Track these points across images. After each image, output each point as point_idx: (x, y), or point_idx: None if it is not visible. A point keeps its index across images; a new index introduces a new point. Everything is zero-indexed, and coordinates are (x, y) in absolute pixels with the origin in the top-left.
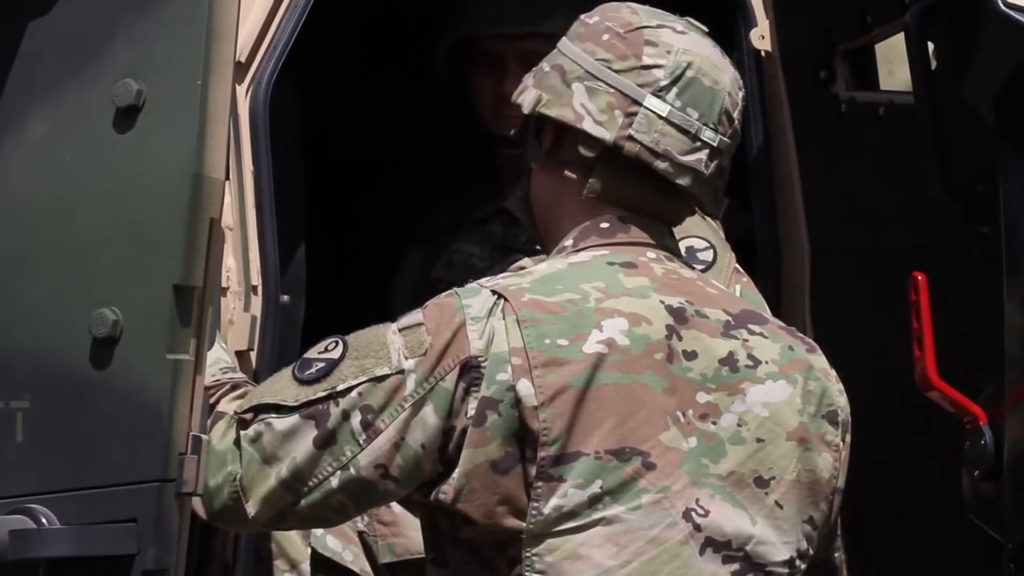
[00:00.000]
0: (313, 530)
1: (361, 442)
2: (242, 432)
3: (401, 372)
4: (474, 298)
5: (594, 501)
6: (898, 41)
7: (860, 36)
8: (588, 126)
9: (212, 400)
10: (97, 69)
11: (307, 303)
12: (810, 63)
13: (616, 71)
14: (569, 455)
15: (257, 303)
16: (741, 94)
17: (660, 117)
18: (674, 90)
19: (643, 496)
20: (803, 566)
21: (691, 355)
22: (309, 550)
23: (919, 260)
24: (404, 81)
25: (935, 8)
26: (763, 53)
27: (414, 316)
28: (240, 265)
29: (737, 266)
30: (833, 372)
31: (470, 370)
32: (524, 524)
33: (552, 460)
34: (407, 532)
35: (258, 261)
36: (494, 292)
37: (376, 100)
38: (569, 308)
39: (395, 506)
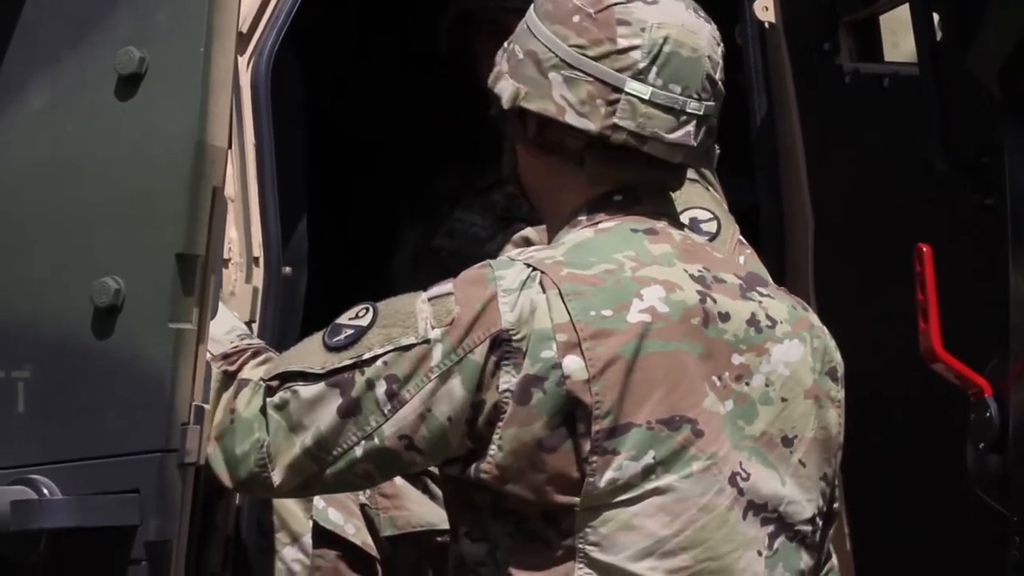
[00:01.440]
0: (315, 502)
1: (386, 412)
2: (268, 399)
3: (427, 342)
4: (507, 270)
5: (648, 472)
6: (902, 12)
7: (864, 7)
8: (571, 119)
9: (234, 367)
10: (99, 37)
11: (309, 278)
12: (814, 34)
13: (592, 58)
14: (622, 427)
15: (259, 275)
16: (720, 49)
17: (643, 101)
18: (654, 69)
19: (694, 463)
20: (821, 523)
21: (725, 317)
22: (311, 523)
23: (923, 232)
24: (404, 55)
25: None
26: (767, 24)
27: (444, 286)
28: (242, 236)
29: (741, 238)
30: (826, 329)
31: (501, 344)
32: (575, 498)
33: (606, 433)
34: (409, 505)
35: (260, 233)
36: (528, 265)
37: (376, 74)
38: (607, 279)
39: (398, 479)
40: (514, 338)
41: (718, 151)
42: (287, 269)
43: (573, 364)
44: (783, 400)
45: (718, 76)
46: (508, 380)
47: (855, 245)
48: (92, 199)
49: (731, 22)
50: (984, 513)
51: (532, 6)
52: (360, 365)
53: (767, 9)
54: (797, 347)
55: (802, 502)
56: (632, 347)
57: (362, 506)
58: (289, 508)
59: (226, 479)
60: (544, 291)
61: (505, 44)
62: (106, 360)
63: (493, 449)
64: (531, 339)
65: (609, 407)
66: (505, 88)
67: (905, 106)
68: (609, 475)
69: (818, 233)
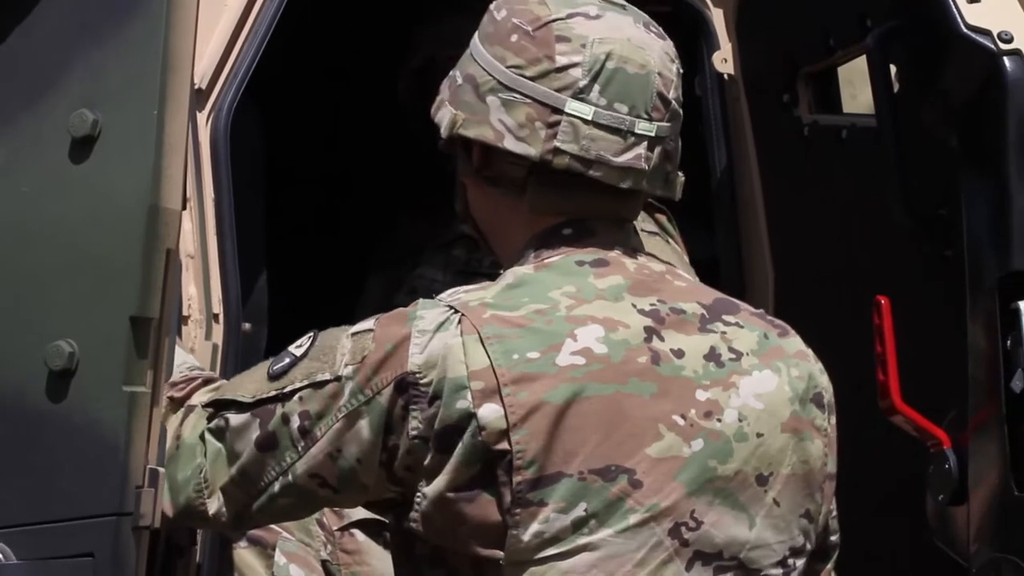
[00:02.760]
0: (276, 558)
1: (300, 449)
2: (207, 425)
3: (339, 379)
4: (430, 311)
5: (578, 525)
6: (861, 63)
7: (822, 59)
8: (510, 144)
9: (181, 394)
10: (53, 99)
11: (270, 330)
12: (773, 86)
13: (530, 78)
14: (549, 477)
15: (219, 331)
16: (675, 66)
17: (586, 121)
18: (596, 87)
19: (630, 516)
20: (798, 563)
21: (679, 353)
22: None
23: (883, 283)
24: (365, 104)
25: (897, 31)
26: (726, 76)
27: (368, 322)
28: (201, 293)
29: None
30: (811, 352)
31: (407, 387)
32: (500, 552)
33: (530, 484)
34: (371, 560)
35: (219, 289)
36: (450, 307)
37: (337, 123)
38: (537, 319)
39: (359, 534)
40: (420, 382)
41: (681, 178)
42: (247, 325)
43: (490, 413)
44: (758, 435)
45: (671, 95)
46: (416, 426)
47: (815, 296)
48: (46, 261)
49: (690, 73)
50: (944, 565)
51: (476, 31)
52: (281, 398)
53: (726, 61)
54: (769, 378)
55: (772, 544)
56: (562, 392)
57: (324, 562)
58: (249, 564)
59: (167, 507)
60: (462, 335)
61: (449, 72)
62: (60, 423)
63: (419, 497)
64: (444, 386)
65: (533, 456)
66: (444, 116)
67: (864, 157)
68: (535, 528)
69: (778, 284)
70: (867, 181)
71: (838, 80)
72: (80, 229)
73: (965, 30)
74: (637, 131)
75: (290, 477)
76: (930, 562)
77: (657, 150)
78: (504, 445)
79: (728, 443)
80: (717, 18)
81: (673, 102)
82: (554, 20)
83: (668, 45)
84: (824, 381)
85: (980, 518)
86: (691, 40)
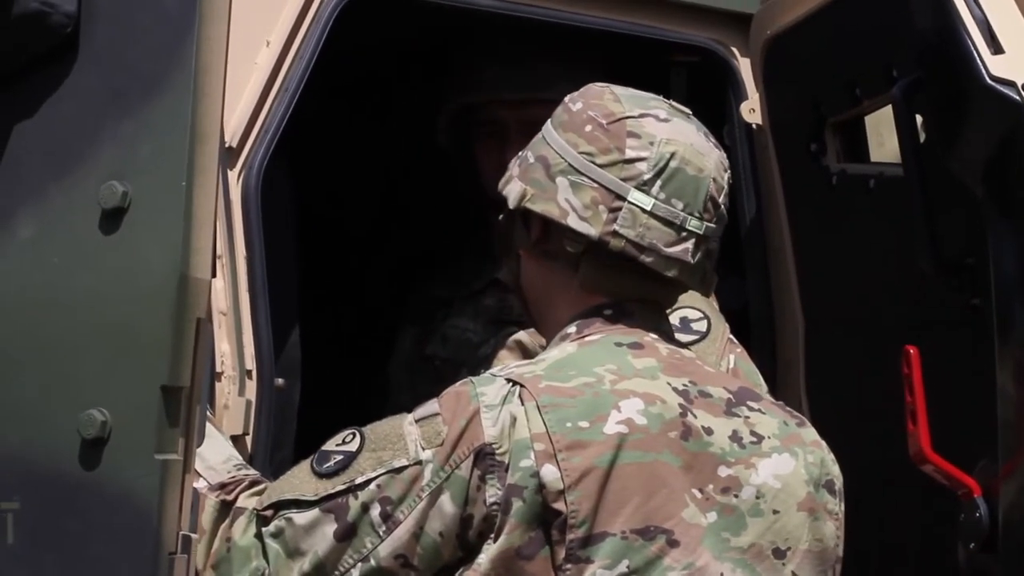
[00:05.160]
0: None
1: (381, 533)
2: (264, 528)
3: (419, 463)
4: (488, 386)
5: None
6: (888, 111)
7: (849, 108)
8: (573, 222)
9: (231, 497)
10: (83, 171)
11: (303, 382)
12: (800, 135)
13: (600, 165)
14: (596, 536)
15: (252, 387)
16: (727, 175)
17: (644, 211)
18: (658, 182)
19: (669, 574)
20: None
21: (708, 431)
22: None
23: (911, 332)
24: (396, 153)
25: (923, 81)
26: (754, 126)
27: (430, 406)
28: (234, 350)
29: (731, 336)
30: (823, 443)
31: (484, 457)
32: None
33: (580, 542)
34: None
35: (252, 345)
36: (509, 380)
37: (368, 174)
38: (586, 391)
39: None
40: (497, 452)
41: (716, 279)
42: (280, 381)
43: (549, 474)
44: (775, 512)
45: (721, 200)
46: (495, 493)
47: (845, 344)
48: (77, 331)
49: (719, 123)
50: None
51: (551, 117)
52: (353, 489)
53: (754, 111)
54: (788, 460)
55: None
56: (608, 457)
57: None
58: None
59: None
60: (523, 403)
61: (520, 152)
62: (93, 491)
63: (482, 558)
64: (512, 451)
65: (584, 516)
66: (513, 190)
67: (891, 206)
68: None
69: (808, 332)
70: (895, 230)
71: (865, 129)
72: (110, 300)
73: (989, 81)
74: (688, 227)
75: (372, 562)
76: None
77: (702, 248)
78: (560, 505)
79: (742, 518)
80: (744, 68)
81: (722, 207)
82: (627, 117)
83: (722, 156)
84: (836, 470)
85: (1011, 566)
86: (719, 90)
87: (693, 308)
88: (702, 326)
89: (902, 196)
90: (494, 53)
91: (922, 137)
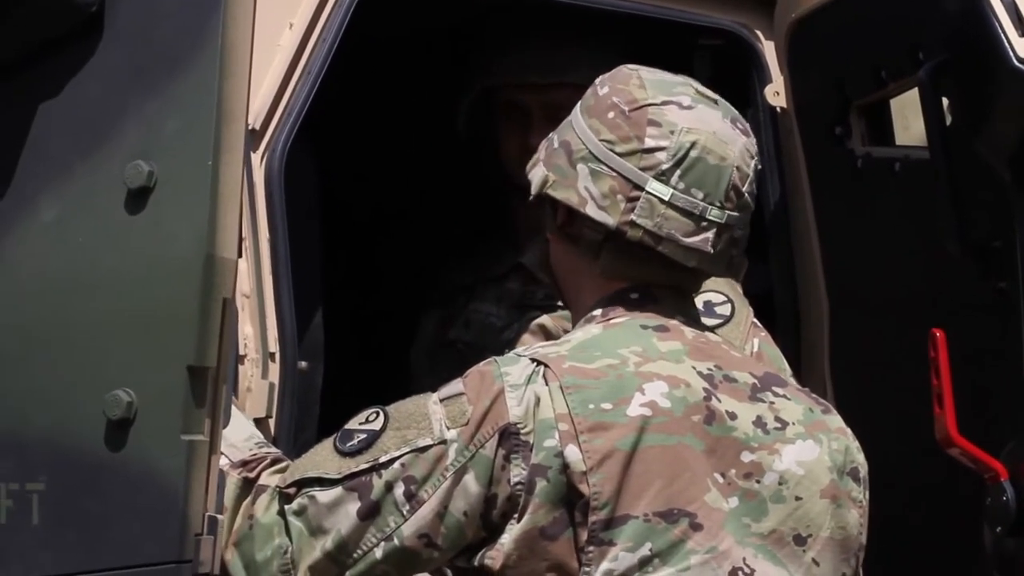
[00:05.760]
0: None
1: (405, 513)
2: (286, 506)
3: (444, 442)
4: (513, 366)
5: (644, 563)
6: (913, 94)
7: (874, 91)
8: (591, 211)
9: (253, 475)
10: (108, 150)
11: (326, 365)
12: (825, 119)
13: (619, 154)
14: (619, 518)
15: (275, 370)
16: (753, 163)
17: (663, 201)
18: (677, 172)
19: (691, 557)
20: None
21: (732, 415)
22: None
23: (938, 315)
24: (419, 137)
25: (949, 64)
26: (778, 109)
27: (455, 386)
28: (257, 332)
29: (755, 320)
30: (849, 430)
31: (509, 437)
32: None
33: (603, 524)
34: None
35: (275, 328)
36: (533, 360)
37: (391, 158)
38: (610, 373)
39: None
40: (522, 431)
41: (746, 263)
42: (303, 364)
43: (572, 455)
44: (797, 499)
45: (745, 188)
46: (519, 473)
47: (870, 328)
48: (103, 312)
49: (743, 106)
50: None
51: (580, 100)
52: (377, 468)
53: (778, 94)
54: (811, 447)
55: None
56: (631, 440)
57: None
58: None
59: None
60: (547, 384)
61: (549, 135)
62: (119, 472)
63: (505, 538)
64: (536, 431)
65: (607, 499)
66: (536, 175)
67: (917, 189)
68: (605, 566)
69: (833, 316)
70: (921, 213)
71: (891, 112)
72: (136, 280)
73: (1017, 63)
74: (709, 217)
75: (395, 541)
76: None
77: (724, 236)
78: (583, 487)
79: (763, 503)
80: (769, 51)
81: (746, 194)
82: (649, 104)
83: (751, 142)
84: (861, 458)
85: None
86: (743, 73)
87: (717, 292)
88: (726, 310)
89: (928, 179)
90: (517, 37)
91: (948, 120)
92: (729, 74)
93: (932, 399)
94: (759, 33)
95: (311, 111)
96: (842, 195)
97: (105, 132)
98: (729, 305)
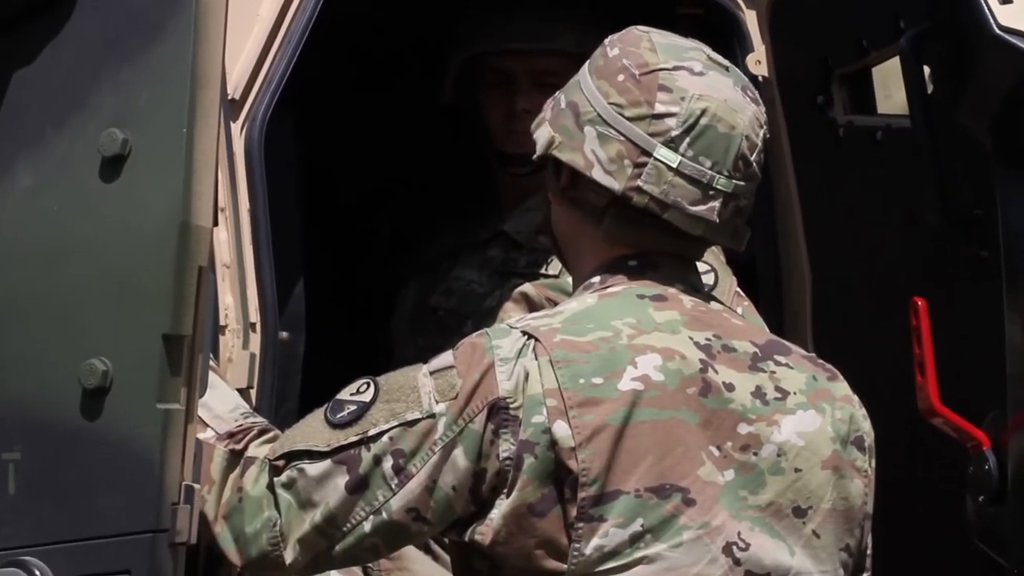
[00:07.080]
0: None
1: (393, 487)
2: (276, 479)
3: (432, 416)
4: (504, 339)
5: (635, 539)
6: (895, 63)
7: (856, 60)
8: (597, 174)
9: (240, 446)
10: (82, 118)
11: (308, 335)
12: (807, 88)
13: (628, 118)
14: (609, 494)
15: (256, 340)
16: (762, 132)
17: (670, 168)
18: (686, 140)
19: (684, 533)
20: None
21: (730, 387)
22: None
23: (919, 284)
24: (400, 107)
25: (930, 32)
26: (760, 78)
27: (445, 358)
28: (238, 302)
29: (738, 290)
30: (856, 398)
31: (498, 411)
32: (564, 565)
33: (592, 500)
34: (412, 566)
35: (256, 298)
36: (524, 333)
37: (373, 128)
38: (602, 346)
39: None
40: (511, 406)
41: (749, 232)
42: (284, 334)
43: (561, 431)
44: (796, 470)
45: (754, 157)
46: (508, 448)
47: (852, 296)
48: (78, 280)
49: None
50: (985, 565)
51: (588, 61)
52: (366, 441)
53: (760, 63)
54: (813, 417)
55: (814, 573)
56: (622, 415)
57: (365, 569)
58: None
59: (235, 557)
60: (537, 358)
61: (555, 94)
62: (95, 441)
63: (494, 513)
64: (525, 406)
65: (596, 474)
66: (542, 135)
67: (899, 158)
68: (596, 542)
69: (815, 285)
70: (903, 182)
71: (872, 81)
72: (111, 248)
73: (998, 31)
74: (716, 186)
75: (384, 515)
76: (969, 563)
77: (731, 206)
78: (572, 463)
79: (761, 475)
80: (750, 20)
81: (754, 164)
82: (660, 69)
83: (760, 111)
84: (867, 426)
85: (1020, 518)
86: (724, 43)
87: (701, 261)
88: (709, 279)
89: (910, 148)
90: (503, 3)
91: (930, 88)
92: (711, 43)
93: (914, 368)
94: (740, 2)
95: (291, 81)
96: (824, 164)
97: (79, 100)
98: (712, 274)
